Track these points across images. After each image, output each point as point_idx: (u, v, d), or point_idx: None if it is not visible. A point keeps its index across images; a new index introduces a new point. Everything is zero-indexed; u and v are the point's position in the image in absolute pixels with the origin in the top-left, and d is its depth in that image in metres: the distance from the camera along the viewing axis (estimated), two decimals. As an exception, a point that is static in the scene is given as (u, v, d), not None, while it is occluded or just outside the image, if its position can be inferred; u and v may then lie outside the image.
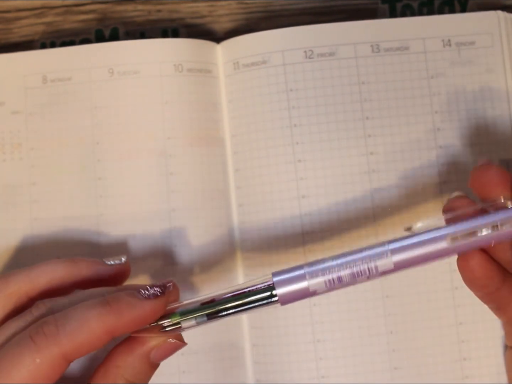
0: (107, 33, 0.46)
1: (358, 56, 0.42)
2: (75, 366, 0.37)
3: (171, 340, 0.33)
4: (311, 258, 0.40)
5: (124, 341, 0.33)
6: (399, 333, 0.41)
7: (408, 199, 0.41)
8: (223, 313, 0.32)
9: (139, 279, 0.41)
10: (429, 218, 0.33)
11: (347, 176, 0.41)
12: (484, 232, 0.32)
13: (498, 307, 0.36)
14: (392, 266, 0.32)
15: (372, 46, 0.42)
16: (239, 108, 0.42)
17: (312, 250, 0.41)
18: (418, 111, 0.42)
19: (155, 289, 0.32)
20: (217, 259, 0.41)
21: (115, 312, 0.31)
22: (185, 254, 0.41)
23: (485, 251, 0.34)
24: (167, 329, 0.32)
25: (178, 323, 0.32)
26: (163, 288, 0.32)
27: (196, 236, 0.41)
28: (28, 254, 0.41)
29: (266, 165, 0.42)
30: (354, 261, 0.32)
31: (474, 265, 0.34)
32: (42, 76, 0.43)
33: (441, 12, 0.46)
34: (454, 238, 0.32)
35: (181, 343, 0.33)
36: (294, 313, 0.41)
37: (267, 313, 0.41)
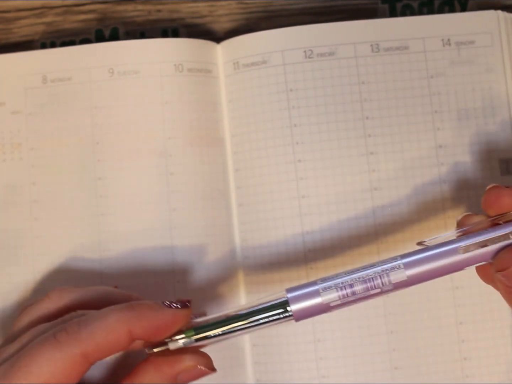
0: (107, 33, 0.46)
1: (358, 56, 0.42)
2: (98, 376, 0.37)
3: (201, 367, 0.33)
4: (311, 256, 0.40)
5: (151, 358, 0.33)
6: (399, 333, 0.41)
7: (408, 198, 0.41)
8: (238, 330, 0.32)
9: (139, 279, 0.41)
10: (440, 233, 0.34)
11: (347, 176, 0.41)
12: (496, 244, 0.32)
13: None
14: (405, 278, 0.32)
15: (372, 45, 0.42)
16: (239, 108, 0.42)
17: (313, 250, 0.41)
18: (418, 110, 0.42)
19: (179, 302, 0.33)
20: (217, 259, 0.41)
21: (137, 314, 0.31)
22: (185, 254, 0.41)
23: None
24: (179, 341, 0.32)
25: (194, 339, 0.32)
26: (188, 303, 0.33)
27: (196, 236, 0.41)
28: (28, 254, 0.41)
29: (266, 165, 0.42)
30: (368, 275, 0.32)
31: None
32: (42, 76, 0.43)
33: (441, 11, 0.46)
34: (466, 250, 0.32)
35: (211, 371, 0.33)
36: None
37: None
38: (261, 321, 0.32)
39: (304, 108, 0.42)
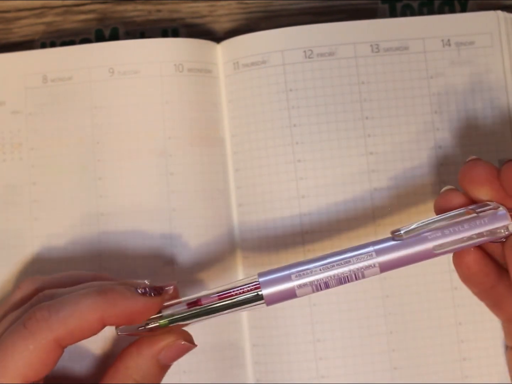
0: (107, 33, 0.46)
1: (358, 56, 0.42)
2: (85, 366, 0.37)
3: (180, 341, 0.33)
4: (311, 255, 0.40)
5: (134, 342, 0.33)
6: (399, 333, 0.41)
7: (408, 199, 0.41)
8: (209, 315, 0.32)
9: (139, 279, 0.41)
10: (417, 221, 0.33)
11: (347, 176, 0.41)
12: (470, 241, 0.32)
13: (494, 304, 0.36)
14: (378, 272, 0.32)
15: (371, 46, 0.42)
16: (239, 108, 0.43)
17: (312, 250, 0.41)
18: (418, 111, 0.42)
19: (153, 289, 0.33)
20: (217, 259, 0.41)
21: (109, 301, 0.31)
22: (185, 254, 0.41)
23: (480, 247, 0.34)
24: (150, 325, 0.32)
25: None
26: (161, 290, 0.33)
27: (196, 236, 0.41)
28: (28, 254, 0.41)
29: (266, 165, 0.42)
30: (340, 261, 0.32)
31: (469, 262, 0.34)
32: (42, 76, 0.43)
33: (441, 12, 0.46)
34: (439, 246, 0.32)
35: (191, 344, 0.33)
36: (294, 313, 0.41)
37: (267, 313, 0.41)
38: (234, 306, 0.32)
39: (304, 108, 0.42)
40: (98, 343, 0.38)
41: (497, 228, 0.32)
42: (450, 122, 0.42)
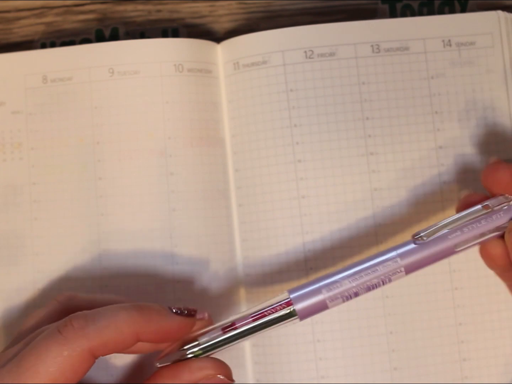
0: (107, 33, 0.46)
1: (358, 56, 0.42)
2: (106, 378, 0.37)
3: (220, 376, 0.33)
4: (311, 256, 0.40)
5: (170, 365, 0.33)
6: (399, 333, 0.41)
7: (409, 199, 0.41)
8: (246, 337, 0.33)
9: (138, 279, 0.41)
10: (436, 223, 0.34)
11: (347, 176, 0.41)
12: (489, 234, 0.34)
13: None
14: (404, 274, 0.33)
15: (372, 46, 0.42)
16: (239, 108, 0.42)
17: (313, 250, 0.41)
18: (418, 111, 0.42)
19: (186, 310, 0.33)
20: (217, 259, 0.41)
21: (145, 317, 0.31)
22: (185, 254, 0.41)
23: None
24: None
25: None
26: (193, 311, 0.33)
27: (196, 236, 0.41)
28: (28, 254, 0.41)
29: (266, 165, 0.42)
30: (367, 270, 0.33)
31: (495, 255, 0.35)
32: (42, 76, 0.43)
33: (441, 12, 0.46)
34: (460, 244, 0.33)
35: (229, 381, 0.33)
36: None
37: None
38: (269, 325, 0.33)
39: (304, 108, 0.42)
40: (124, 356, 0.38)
41: None
42: (451, 122, 0.42)
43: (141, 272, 0.41)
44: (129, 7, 0.46)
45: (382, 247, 0.41)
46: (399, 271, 0.33)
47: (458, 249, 0.33)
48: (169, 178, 0.42)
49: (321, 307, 0.33)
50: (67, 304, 0.35)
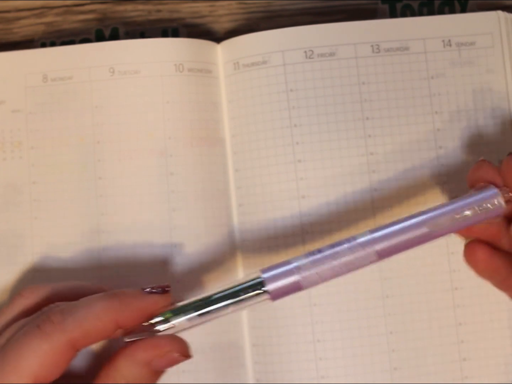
0: (107, 33, 0.46)
1: (358, 56, 0.42)
2: (81, 365, 0.37)
3: (174, 354, 0.33)
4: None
5: (127, 345, 0.33)
6: (399, 333, 0.41)
7: (408, 199, 0.41)
8: (213, 309, 0.33)
9: (138, 279, 0.41)
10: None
11: (347, 176, 0.41)
12: (465, 213, 0.34)
13: None
14: (375, 256, 0.33)
15: (372, 46, 0.42)
16: (239, 108, 0.42)
17: (312, 249, 0.41)
18: (418, 111, 0.42)
19: (159, 287, 0.33)
20: (217, 259, 0.41)
21: (121, 302, 0.32)
22: (185, 254, 0.41)
23: (489, 242, 0.36)
24: (160, 329, 0.33)
25: (170, 321, 0.33)
26: (167, 287, 0.34)
27: (196, 236, 0.41)
28: (28, 253, 0.41)
29: (266, 165, 0.42)
30: (342, 251, 0.33)
31: (479, 259, 0.36)
32: (42, 75, 0.43)
33: (441, 12, 0.46)
34: (434, 224, 0.33)
35: (184, 357, 0.33)
36: (294, 313, 0.40)
37: (267, 313, 0.41)
38: (239, 302, 0.33)
39: (304, 108, 0.42)
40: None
41: (486, 200, 0.33)
42: (451, 122, 0.42)
43: (140, 271, 0.41)
44: (129, 7, 0.46)
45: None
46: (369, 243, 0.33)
47: (435, 232, 0.33)
48: (169, 178, 0.42)
49: (294, 287, 0.33)
50: (32, 296, 0.35)
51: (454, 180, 0.42)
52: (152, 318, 0.33)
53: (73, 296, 0.34)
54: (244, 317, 0.42)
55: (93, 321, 0.31)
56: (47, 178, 0.42)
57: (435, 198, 0.41)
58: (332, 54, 0.42)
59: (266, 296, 0.33)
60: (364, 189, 0.41)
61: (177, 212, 0.41)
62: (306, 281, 0.33)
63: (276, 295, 0.33)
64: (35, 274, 0.41)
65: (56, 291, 0.35)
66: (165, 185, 0.41)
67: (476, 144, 0.42)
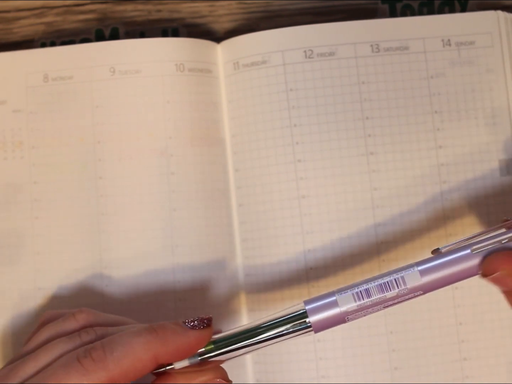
0: (107, 33, 0.46)
1: (358, 56, 0.42)
2: None
3: (218, 380, 0.33)
4: (311, 256, 0.40)
5: (165, 376, 0.33)
6: (399, 333, 0.41)
7: (408, 198, 0.41)
8: (258, 343, 0.32)
9: (139, 278, 0.41)
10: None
11: (346, 176, 0.41)
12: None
13: None
14: (421, 286, 0.32)
15: (372, 46, 0.42)
16: (239, 108, 0.42)
17: (312, 250, 0.41)
18: (418, 111, 0.42)
19: (199, 321, 0.33)
20: (217, 259, 0.41)
21: (161, 338, 0.31)
22: (185, 253, 0.41)
23: None
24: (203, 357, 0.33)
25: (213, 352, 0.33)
26: (209, 321, 0.33)
27: (196, 236, 0.41)
28: (29, 253, 0.41)
29: (266, 165, 0.42)
30: (384, 282, 0.32)
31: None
32: (43, 75, 0.43)
33: (441, 12, 0.46)
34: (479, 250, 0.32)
35: (227, 382, 0.33)
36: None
37: (266, 313, 0.41)
38: (281, 334, 0.32)
39: (304, 108, 0.42)
40: None
41: None
42: (450, 122, 0.42)
43: (141, 271, 0.41)
44: (129, 7, 0.46)
45: (382, 247, 0.41)
46: (413, 272, 0.32)
47: (477, 252, 0.32)
48: (169, 178, 0.42)
49: (338, 320, 0.32)
50: (84, 322, 0.34)
51: (453, 180, 0.42)
52: (193, 354, 0.32)
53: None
54: (244, 317, 0.42)
55: (132, 360, 0.30)
56: (48, 178, 0.42)
57: (434, 196, 0.41)
58: (331, 54, 0.42)
59: (309, 329, 0.32)
60: (364, 188, 0.41)
61: (177, 212, 0.41)
62: (349, 313, 0.32)
63: (319, 327, 0.32)
64: (36, 274, 0.41)
65: (106, 320, 0.35)
66: (166, 185, 0.41)
67: (476, 143, 0.42)
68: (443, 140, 0.42)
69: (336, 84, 0.42)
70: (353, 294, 0.32)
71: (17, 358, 0.33)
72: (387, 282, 0.32)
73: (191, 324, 0.32)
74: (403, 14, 0.46)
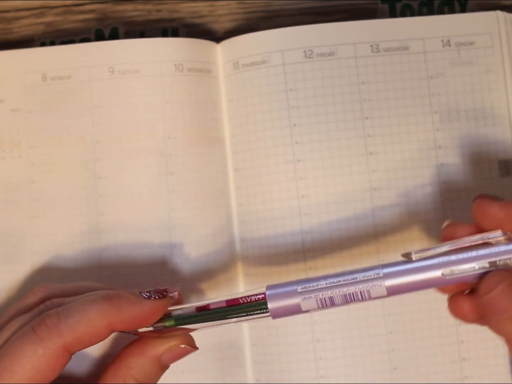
0: (107, 33, 0.46)
1: (358, 56, 0.42)
2: (84, 365, 0.37)
3: (182, 345, 0.33)
4: (311, 256, 0.40)
5: (135, 342, 0.34)
6: (399, 333, 0.40)
7: (408, 198, 0.41)
8: (215, 320, 0.33)
9: (139, 280, 0.41)
10: (428, 245, 0.33)
11: (346, 176, 0.41)
12: (480, 265, 0.32)
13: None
14: (385, 293, 0.32)
15: (371, 46, 0.42)
16: (239, 108, 0.43)
17: (312, 250, 0.41)
18: (418, 111, 0.42)
19: (157, 292, 0.33)
20: (217, 259, 0.41)
21: (116, 307, 0.32)
22: (184, 253, 0.41)
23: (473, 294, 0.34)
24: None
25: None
26: (165, 292, 0.33)
27: (196, 236, 0.41)
28: (27, 252, 0.41)
29: (265, 165, 0.42)
30: (348, 283, 0.32)
31: (464, 312, 0.34)
32: (42, 74, 0.43)
33: (440, 12, 0.46)
34: (448, 270, 0.32)
35: (193, 348, 0.34)
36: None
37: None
38: (241, 316, 0.33)
39: (304, 108, 0.42)
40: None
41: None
42: (450, 122, 0.42)
43: (140, 270, 0.41)
44: (129, 6, 0.46)
45: (382, 247, 0.41)
46: (379, 285, 0.32)
47: (448, 277, 0.32)
48: (169, 178, 0.42)
49: (295, 309, 0.32)
50: (44, 295, 0.35)
51: (453, 180, 0.42)
52: (156, 322, 0.33)
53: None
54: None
55: (86, 326, 0.31)
56: (47, 177, 0.42)
57: (435, 197, 0.41)
58: (331, 54, 0.42)
59: (267, 314, 0.33)
60: (364, 188, 0.41)
61: (176, 212, 0.41)
62: (306, 304, 0.32)
63: (277, 314, 0.33)
64: (34, 273, 0.41)
65: (65, 290, 0.35)
66: (165, 184, 0.41)
67: (475, 144, 0.42)
68: (443, 140, 0.42)
69: (336, 84, 0.42)
70: (317, 300, 0.32)
71: None
72: (352, 293, 0.32)
73: (147, 294, 0.33)
74: (403, 14, 0.46)
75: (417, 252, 0.32)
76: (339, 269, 0.40)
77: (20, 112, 0.43)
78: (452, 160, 0.42)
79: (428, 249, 0.32)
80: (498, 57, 0.42)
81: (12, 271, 0.41)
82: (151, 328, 0.33)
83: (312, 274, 0.40)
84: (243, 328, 0.41)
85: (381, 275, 0.32)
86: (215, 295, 0.41)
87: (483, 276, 0.32)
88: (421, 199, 0.41)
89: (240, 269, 0.42)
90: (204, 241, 0.41)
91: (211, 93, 0.43)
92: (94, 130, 0.42)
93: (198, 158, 0.42)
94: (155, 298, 0.33)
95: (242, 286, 0.42)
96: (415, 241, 0.41)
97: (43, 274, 0.41)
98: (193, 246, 0.41)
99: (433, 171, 0.42)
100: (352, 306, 0.40)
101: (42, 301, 0.34)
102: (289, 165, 0.41)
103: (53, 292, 0.35)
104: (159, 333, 0.33)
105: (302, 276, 0.40)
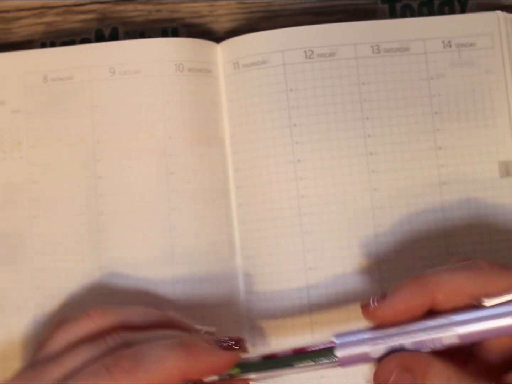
0: (107, 33, 0.46)
1: (358, 56, 0.42)
2: None
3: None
4: (310, 255, 0.40)
5: None
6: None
7: (408, 199, 0.41)
8: (282, 368, 0.32)
9: (138, 278, 0.41)
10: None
11: (346, 176, 0.41)
12: None
13: None
14: (457, 340, 0.31)
15: (372, 46, 0.42)
16: (239, 108, 0.43)
17: (311, 249, 0.41)
18: (418, 111, 0.42)
19: (231, 342, 0.33)
20: (217, 259, 0.41)
21: (193, 357, 0.31)
22: (184, 253, 0.41)
23: None
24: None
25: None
26: (241, 341, 0.33)
27: (195, 236, 0.41)
28: (28, 252, 0.41)
29: (265, 165, 0.42)
30: (419, 329, 0.31)
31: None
32: (42, 75, 0.43)
33: (441, 12, 0.46)
34: None
35: None
36: (294, 312, 0.40)
37: (267, 312, 0.41)
38: (308, 366, 0.32)
39: (304, 108, 0.42)
40: None
41: None
42: (450, 123, 0.42)
43: (140, 271, 0.41)
44: (129, 7, 0.46)
45: (381, 247, 0.41)
46: (451, 333, 0.31)
47: None
48: (169, 178, 0.42)
49: (364, 358, 0.31)
50: (101, 320, 0.34)
51: (453, 181, 0.42)
52: (219, 374, 0.32)
53: (140, 323, 0.34)
54: (244, 317, 0.42)
55: (162, 374, 0.30)
56: (47, 178, 0.42)
57: (434, 198, 0.41)
58: (332, 54, 0.42)
59: (336, 363, 0.32)
60: (363, 189, 0.41)
61: (177, 212, 0.41)
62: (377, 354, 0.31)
63: (346, 362, 0.32)
64: (34, 274, 0.41)
65: (125, 317, 0.35)
66: (165, 184, 0.41)
67: (476, 145, 0.42)
68: (443, 141, 0.42)
69: (336, 85, 0.42)
70: (387, 347, 0.31)
71: (36, 362, 0.32)
72: (425, 341, 0.31)
73: (224, 344, 0.32)
74: (403, 14, 0.46)
75: (489, 298, 0.31)
76: (339, 269, 0.40)
77: (20, 113, 0.43)
78: (452, 161, 0.42)
79: (500, 296, 0.31)
80: (499, 58, 0.42)
81: (12, 271, 0.41)
82: (216, 377, 0.32)
83: (312, 275, 0.40)
84: (244, 329, 0.41)
85: (454, 333, 0.31)
86: (215, 295, 0.41)
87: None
88: (421, 200, 0.41)
89: (240, 268, 0.42)
90: (204, 241, 0.41)
91: (211, 93, 0.43)
92: (94, 130, 0.42)
93: (198, 158, 0.42)
94: (231, 348, 0.32)
95: (242, 286, 0.42)
96: (415, 242, 0.41)
97: (43, 274, 0.41)
98: (193, 245, 0.41)
99: (433, 172, 0.42)
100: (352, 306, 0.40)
101: (104, 329, 0.33)
102: (289, 165, 0.41)
103: (113, 319, 0.34)
104: (223, 381, 0.32)
105: (302, 276, 0.41)
